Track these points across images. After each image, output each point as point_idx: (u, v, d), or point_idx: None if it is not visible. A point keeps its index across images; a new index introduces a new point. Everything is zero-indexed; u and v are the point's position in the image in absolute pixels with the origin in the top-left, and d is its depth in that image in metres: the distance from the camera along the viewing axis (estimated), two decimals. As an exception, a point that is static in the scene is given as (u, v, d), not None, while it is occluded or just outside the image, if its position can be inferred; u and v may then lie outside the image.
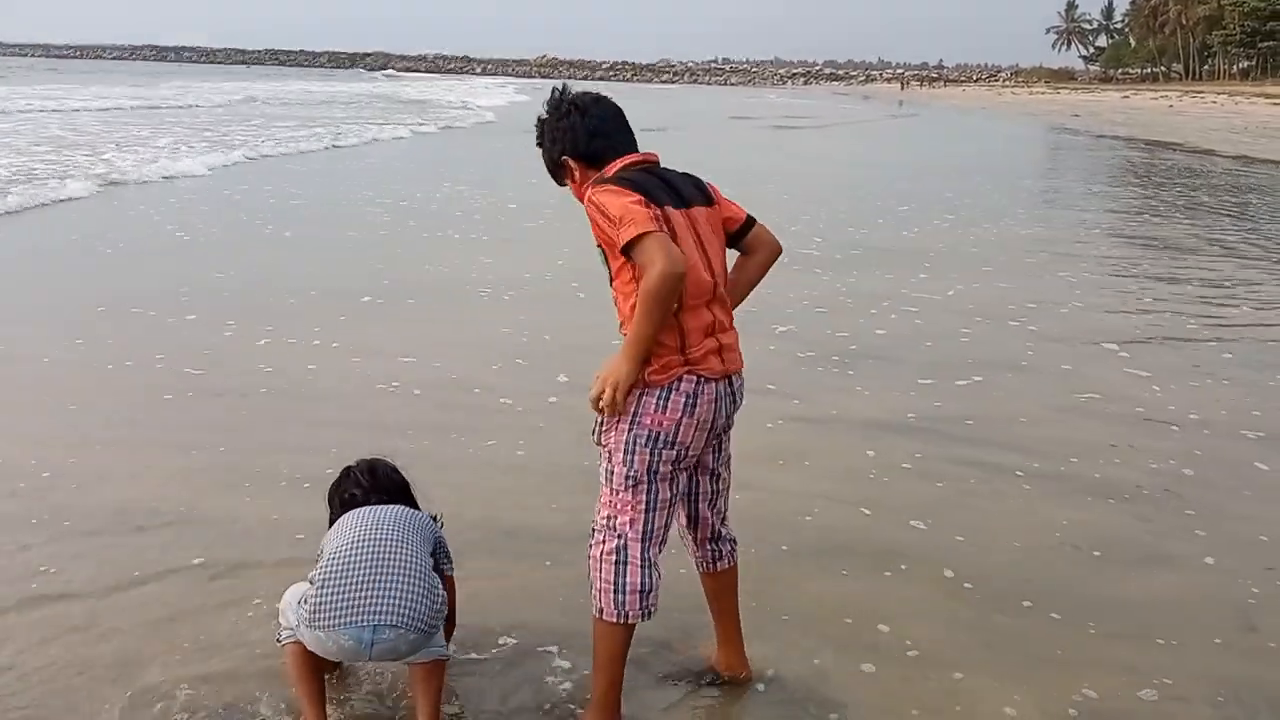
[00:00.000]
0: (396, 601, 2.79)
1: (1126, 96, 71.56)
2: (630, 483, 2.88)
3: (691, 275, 2.80)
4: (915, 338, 7.55)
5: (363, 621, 2.76)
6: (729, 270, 3.06)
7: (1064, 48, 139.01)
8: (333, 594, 2.79)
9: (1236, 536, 4.45)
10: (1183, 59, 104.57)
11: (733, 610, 3.27)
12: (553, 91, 3.07)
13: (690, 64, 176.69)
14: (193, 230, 11.48)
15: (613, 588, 2.90)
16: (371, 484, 3.19)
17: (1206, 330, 8.02)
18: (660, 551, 2.97)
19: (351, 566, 2.83)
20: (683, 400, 2.83)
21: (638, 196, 2.75)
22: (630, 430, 2.85)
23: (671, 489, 2.93)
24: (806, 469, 5.07)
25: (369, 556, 2.85)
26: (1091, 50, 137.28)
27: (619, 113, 3.05)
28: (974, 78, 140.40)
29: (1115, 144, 32.25)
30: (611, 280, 2.89)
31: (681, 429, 2.85)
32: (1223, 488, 4.99)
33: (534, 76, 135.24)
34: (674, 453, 2.87)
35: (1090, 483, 4.98)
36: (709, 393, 2.87)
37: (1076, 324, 8.12)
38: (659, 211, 2.78)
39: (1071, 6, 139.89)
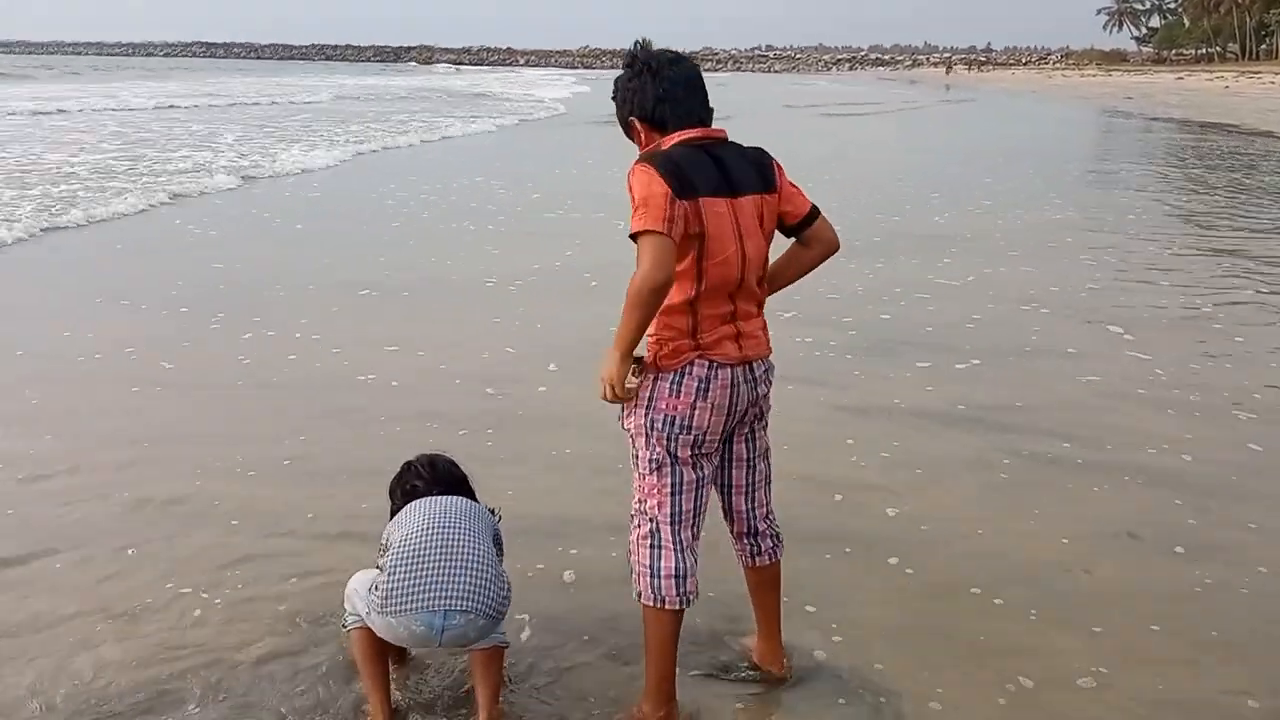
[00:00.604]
0: (467, 587, 2.85)
1: (1180, 78, 69.80)
2: (654, 466, 2.91)
3: (717, 270, 2.79)
4: (921, 323, 7.48)
5: (434, 606, 2.81)
6: (781, 254, 3.03)
7: (1115, 29, 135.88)
8: (404, 580, 2.84)
9: (1224, 521, 4.37)
10: (1239, 39, 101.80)
11: (772, 605, 3.25)
12: (633, 44, 2.94)
13: (733, 51, 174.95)
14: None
15: (649, 572, 2.93)
16: (432, 476, 3.24)
17: (1221, 313, 7.84)
18: (695, 537, 2.98)
19: (422, 553, 2.88)
20: (695, 385, 2.83)
21: (666, 188, 2.69)
22: (647, 415, 2.88)
23: (696, 472, 2.93)
24: (784, 452, 5.00)
25: (439, 544, 2.90)
26: (1144, 31, 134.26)
27: (694, 78, 2.89)
28: (1023, 60, 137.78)
29: (1169, 126, 31.49)
30: None
31: (696, 413, 2.85)
32: (1215, 473, 4.88)
33: (577, 67, 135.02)
34: (690, 437, 2.87)
35: (1074, 468, 4.92)
36: (723, 378, 2.86)
37: (1089, 307, 7.99)
38: (684, 206, 2.71)
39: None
